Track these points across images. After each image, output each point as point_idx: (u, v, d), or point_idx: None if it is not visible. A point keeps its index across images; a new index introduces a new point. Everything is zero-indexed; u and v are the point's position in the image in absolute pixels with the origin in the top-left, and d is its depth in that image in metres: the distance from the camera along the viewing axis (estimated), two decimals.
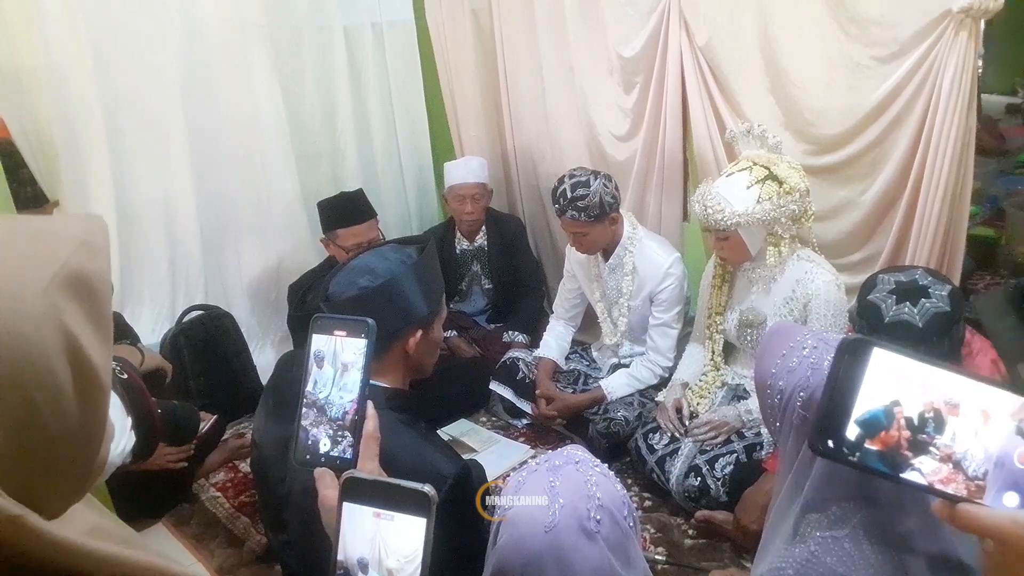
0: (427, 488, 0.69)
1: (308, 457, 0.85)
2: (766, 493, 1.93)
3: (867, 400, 0.62)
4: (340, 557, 0.70)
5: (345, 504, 0.71)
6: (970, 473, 0.61)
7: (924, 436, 0.62)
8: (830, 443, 0.63)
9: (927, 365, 0.62)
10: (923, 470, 0.62)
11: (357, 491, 0.72)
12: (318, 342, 0.85)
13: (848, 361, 0.62)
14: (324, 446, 0.84)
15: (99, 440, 0.50)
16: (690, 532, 2.18)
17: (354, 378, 0.84)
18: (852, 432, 0.62)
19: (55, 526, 0.43)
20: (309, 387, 0.85)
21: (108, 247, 0.54)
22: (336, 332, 0.85)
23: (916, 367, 0.62)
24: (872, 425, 0.62)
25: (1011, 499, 0.60)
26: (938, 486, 0.62)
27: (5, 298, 0.44)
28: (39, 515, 0.43)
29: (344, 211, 2.84)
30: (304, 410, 0.85)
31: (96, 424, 0.49)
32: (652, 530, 2.21)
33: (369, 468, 0.85)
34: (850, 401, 0.62)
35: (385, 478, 0.72)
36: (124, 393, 1.41)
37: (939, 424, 0.61)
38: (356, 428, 0.84)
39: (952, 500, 0.61)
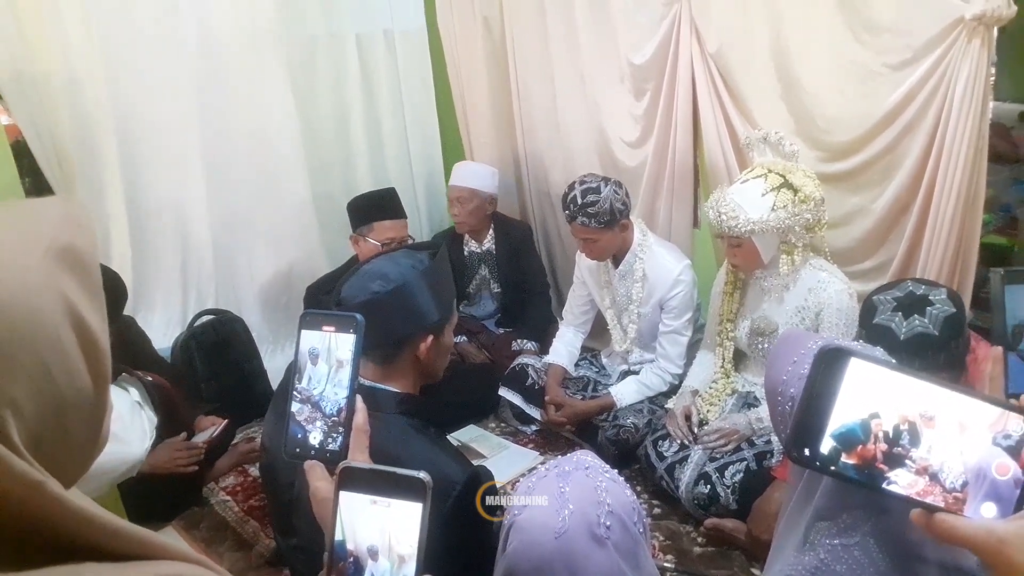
0: (422, 475, 0.70)
1: (298, 450, 0.86)
2: (776, 501, 1.92)
3: (844, 411, 0.61)
4: (351, 547, 0.72)
5: (342, 493, 0.72)
6: (947, 485, 0.61)
7: (899, 449, 0.61)
8: (806, 452, 0.62)
9: (904, 376, 0.61)
10: (899, 482, 0.61)
11: (354, 480, 0.73)
12: (308, 338, 0.86)
13: (824, 371, 0.61)
14: (315, 439, 0.86)
15: (104, 402, 0.52)
16: (699, 540, 2.17)
17: (347, 373, 0.85)
18: (827, 445, 0.61)
19: (75, 496, 0.43)
20: (303, 383, 0.86)
21: (91, 223, 0.57)
22: (325, 328, 0.86)
23: (893, 378, 0.61)
24: (848, 440, 0.61)
25: (989, 510, 0.60)
26: (915, 498, 0.61)
27: (7, 271, 0.46)
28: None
29: (382, 204, 2.84)
30: (298, 406, 0.86)
31: (101, 385, 0.51)
32: (661, 538, 2.20)
33: (359, 460, 0.86)
34: (826, 411, 0.61)
35: (381, 466, 0.73)
36: (150, 394, 1.44)
37: (915, 437, 0.61)
38: (346, 421, 0.85)
39: (931, 510, 0.61)
